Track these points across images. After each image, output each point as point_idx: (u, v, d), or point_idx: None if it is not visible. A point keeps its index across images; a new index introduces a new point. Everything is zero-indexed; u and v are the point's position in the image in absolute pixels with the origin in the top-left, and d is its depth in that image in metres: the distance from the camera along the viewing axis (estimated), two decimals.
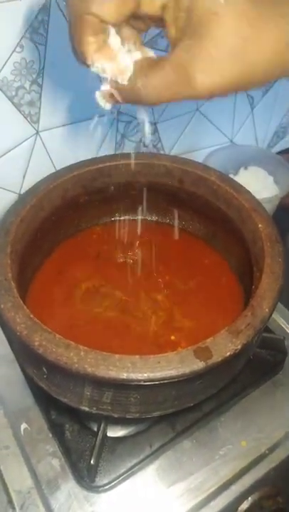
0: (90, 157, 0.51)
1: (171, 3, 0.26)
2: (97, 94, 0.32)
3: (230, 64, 0.25)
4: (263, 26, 0.24)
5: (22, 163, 0.56)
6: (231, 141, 0.76)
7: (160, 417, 0.45)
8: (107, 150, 0.61)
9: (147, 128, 0.35)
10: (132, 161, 0.49)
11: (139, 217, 0.55)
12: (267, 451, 0.45)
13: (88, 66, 0.29)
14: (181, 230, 0.55)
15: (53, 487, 0.41)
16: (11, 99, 0.49)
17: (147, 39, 0.54)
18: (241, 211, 0.46)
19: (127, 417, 0.38)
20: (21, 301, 0.37)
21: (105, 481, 0.42)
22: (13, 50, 0.46)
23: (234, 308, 0.45)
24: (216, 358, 0.34)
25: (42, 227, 0.47)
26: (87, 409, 0.38)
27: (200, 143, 0.72)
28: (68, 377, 0.35)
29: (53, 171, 0.51)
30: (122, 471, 0.43)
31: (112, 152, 0.62)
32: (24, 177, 0.57)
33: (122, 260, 0.52)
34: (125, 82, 0.29)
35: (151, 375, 0.33)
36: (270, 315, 0.37)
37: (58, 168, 0.51)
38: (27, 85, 0.50)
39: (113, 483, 0.42)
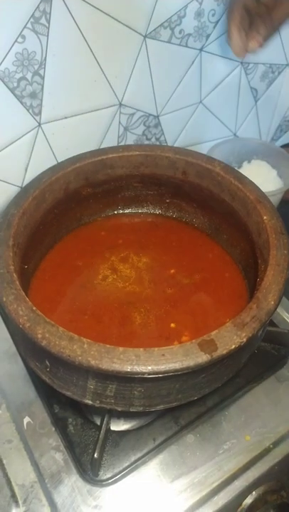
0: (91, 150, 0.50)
1: None
2: None
3: None
4: None
5: (24, 156, 0.55)
6: (235, 134, 0.75)
7: (164, 411, 0.45)
8: (110, 143, 0.61)
9: None
10: (135, 153, 0.49)
11: (142, 211, 0.55)
12: (271, 446, 0.44)
13: None
14: (184, 223, 0.55)
15: (56, 481, 0.41)
16: (12, 90, 0.49)
17: (150, 30, 0.53)
18: (246, 203, 0.45)
19: (131, 410, 0.38)
20: (24, 294, 0.36)
21: (109, 475, 0.42)
22: (15, 41, 0.46)
23: (238, 302, 0.45)
24: (221, 350, 0.33)
25: (44, 220, 0.47)
26: (90, 402, 0.38)
27: (203, 136, 0.71)
28: (72, 370, 0.35)
29: (55, 163, 0.50)
30: (126, 465, 0.42)
31: (114, 145, 0.62)
32: (26, 170, 0.56)
33: (125, 254, 0.51)
34: None
35: (156, 368, 0.32)
36: (276, 307, 0.37)
37: (60, 160, 0.51)
38: (29, 76, 0.49)
39: (116, 477, 0.41)
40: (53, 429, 0.44)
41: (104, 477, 0.42)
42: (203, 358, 0.33)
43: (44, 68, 0.49)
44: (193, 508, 0.40)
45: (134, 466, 0.42)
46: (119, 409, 0.38)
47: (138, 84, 0.57)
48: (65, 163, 0.48)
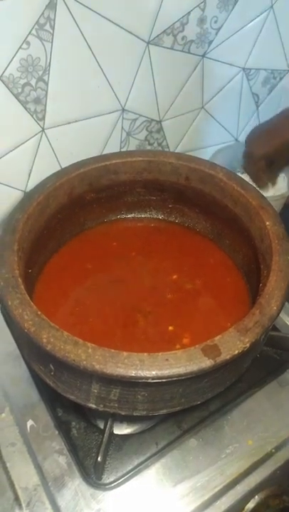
0: (95, 155, 0.51)
1: None
2: None
3: None
4: None
5: (27, 161, 0.56)
6: (236, 139, 0.76)
7: (167, 416, 0.45)
8: (112, 148, 0.61)
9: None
10: (138, 159, 0.49)
11: (145, 216, 0.55)
12: (273, 450, 0.44)
13: None
14: (187, 228, 0.55)
15: (60, 484, 0.41)
16: (17, 96, 0.49)
17: (153, 36, 0.54)
18: (248, 208, 0.45)
19: (134, 414, 0.38)
20: (28, 298, 0.37)
21: (112, 479, 0.42)
22: (20, 47, 0.46)
23: (240, 307, 0.45)
24: (225, 355, 0.33)
25: (48, 225, 0.47)
26: (94, 406, 0.38)
27: (205, 141, 0.72)
28: (76, 375, 0.35)
29: (59, 168, 0.50)
30: (129, 468, 0.43)
31: (117, 150, 0.62)
32: (30, 174, 0.57)
33: (127, 258, 0.52)
34: None
35: (159, 373, 0.33)
36: (279, 313, 0.37)
37: (64, 166, 0.51)
38: (33, 82, 0.49)
39: (120, 481, 0.42)
40: (57, 432, 0.44)
41: (108, 481, 0.42)
42: (206, 363, 0.33)
43: (48, 74, 0.50)
44: None
45: (137, 470, 0.43)
46: (123, 413, 0.38)
47: (141, 90, 0.58)
48: (69, 168, 0.49)
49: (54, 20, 0.47)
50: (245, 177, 0.48)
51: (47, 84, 0.51)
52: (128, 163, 0.50)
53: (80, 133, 0.57)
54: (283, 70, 0.72)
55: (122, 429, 0.45)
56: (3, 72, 0.47)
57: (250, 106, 0.73)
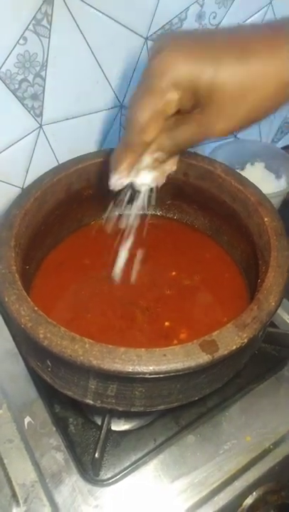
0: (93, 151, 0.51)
1: (187, 98, 0.34)
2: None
3: (235, 109, 0.34)
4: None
5: (25, 157, 0.55)
6: (235, 136, 0.75)
7: (164, 412, 0.45)
8: (111, 144, 0.61)
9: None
10: None
11: (143, 212, 0.55)
12: (271, 447, 0.44)
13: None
14: (185, 224, 0.55)
15: (57, 481, 0.41)
16: (14, 92, 0.49)
17: (151, 32, 0.53)
18: (247, 205, 0.45)
19: (132, 410, 0.38)
20: (26, 294, 0.37)
21: (109, 475, 0.42)
22: (17, 43, 0.46)
23: (239, 303, 0.45)
24: (222, 351, 0.33)
25: (46, 221, 0.47)
26: (91, 402, 0.38)
27: None
28: (73, 370, 0.35)
29: (57, 164, 0.50)
30: (126, 464, 0.43)
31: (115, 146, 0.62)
32: (27, 171, 0.56)
33: (126, 255, 0.52)
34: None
35: (157, 368, 0.32)
36: (277, 309, 0.37)
37: (61, 161, 0.51)
38: (30, 78, 0.49)
39: (117, 477, 0.42)
40: (54, 428, 0.44)
41: (105, 477, 0.42)
42: (204, 358, 0.33)
43: (45, 70, 0.50)
44: (194, 508, 0.41)
45: (134, 466, 0.43)
46: (120, 409, 0.38)
47: None
48: (67, 164, 0.48)
49: (51, 15, 0.46)
50: (244, 173, 0.48)
51: (44, 80, 0.50)
52: None
53: (78, 129, 0.57)
54: None
55: (119, 426, 0.45)
56: (0, 68, 0.46)
57: None
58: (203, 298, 0.48)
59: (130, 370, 0.32)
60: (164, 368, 0.32)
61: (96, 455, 0.40)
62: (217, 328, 0.35)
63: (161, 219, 0.56)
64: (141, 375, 0.33)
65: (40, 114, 0.53)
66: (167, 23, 0.54)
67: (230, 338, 0.34)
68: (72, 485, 0.41)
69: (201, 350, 0.33)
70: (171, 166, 0.42)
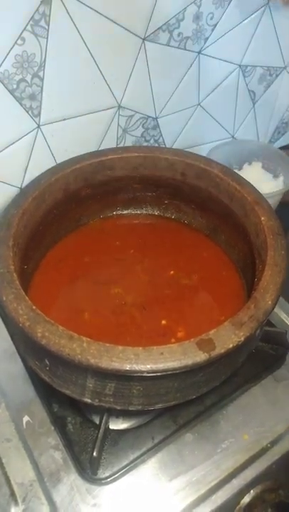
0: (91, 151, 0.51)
1: None
2: None
3: None
4: None
5: (23, 157, 0.56)
6: (233, 136, 0.76)
7: (162, 410, 0.45)
8: (109, 144, 0.61)
9: None
10: (134, 154, 0.49)
11: (141, 212, 0.55)
12: (269, 445, 0.44)
13: None
14: (183, 224, 0.55)
15: (55, 480, 0.41)
16: (12, 92, 0.49)
17: (148, 33, 0.54)
18: (244, 204, 0.45)
19: (130, 409, 0.38)
20: (24, 293, 0.37)
21: (107, 474, 0.42)
22: (15, 43, 0.46)
23: (236, 301, 0.45)
24: (219, 349, 0.34)
25: (44, 220, 0.47)
26: (89, 401, 0.38)
27: (201, 138, 0.72)
28: (71, 369, 0.35)
29: (55, 164, 0.50)
30: (125, 463, 0.43)
31: (113, 146, 0.62)
32: (25, 171, 0.56)
33: (123, 254, 0.52)
34: None
35: (154, 367, 0.33)
36: (273, 307, 0.37)
37: (59, 162, 0.51)
38: (28, 78, 0.49)
39: (115, 476, 0.42)
40: (52, 428, 0.44)
41: (103, 476, 0.42)
42: (201, 356, 0.33)
43: (43, 70, 0.50)
44: (192, 506, 0.41)
45: (132, 465, 0.43)
46: (118, 407, 0.38)
47: (137, 87, 0.58)
48: (64, 164, 0.49)
49: (49, 16, 0.47)
50: (241, 173, 0.49)
51: (42, 80, 0.51)
52: (124, 159, 0.50)
53: (76, 129, 0.57)
54: (279, 67, 0.72)
55: (117, 424, 0.45)
56: None
57: (247, 103, 0.73)
58: (201, 297, 0.48)
59: (128, 368, 0.32)
60: (161, 366, 0.33)
61: (94, 454, 0.40)
62: (214, 327, 0.35)
63: (158, 218, 0.56)
64: (138, 374, 0.33)
65: (38, 115, 0.53)
66: (164, 24, 0.54)
67: (227, 337, 0.34)
68: (70, 484, 0.41)
69: (198, 348, 0.33)
70: None
